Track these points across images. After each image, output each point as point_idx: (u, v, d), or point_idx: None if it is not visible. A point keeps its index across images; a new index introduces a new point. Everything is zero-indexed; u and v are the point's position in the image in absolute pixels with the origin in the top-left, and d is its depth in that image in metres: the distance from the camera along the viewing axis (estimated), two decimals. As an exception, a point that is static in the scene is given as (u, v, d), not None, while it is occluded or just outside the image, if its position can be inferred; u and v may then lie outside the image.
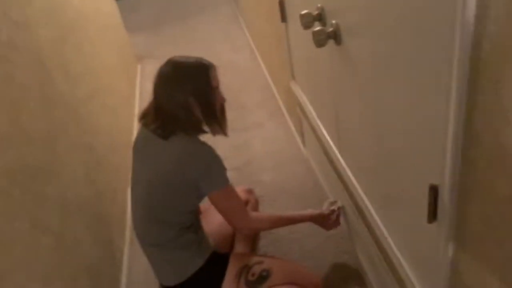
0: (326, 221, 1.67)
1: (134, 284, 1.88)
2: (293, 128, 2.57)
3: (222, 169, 1.39)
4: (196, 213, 1.55)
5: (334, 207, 1.69)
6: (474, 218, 0.71)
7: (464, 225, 0.75)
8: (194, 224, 1.50)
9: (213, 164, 1.38)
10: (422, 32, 0.70)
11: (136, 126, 2.77)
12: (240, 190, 1.94)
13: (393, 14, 0.80)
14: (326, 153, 1.67)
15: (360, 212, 1.38)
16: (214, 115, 1.43)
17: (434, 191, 0.78)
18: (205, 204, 1.52)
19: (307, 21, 1.25)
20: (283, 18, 1.81)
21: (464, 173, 0.70)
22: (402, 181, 0.98)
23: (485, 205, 0.67)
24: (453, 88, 0.64)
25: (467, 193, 0.71)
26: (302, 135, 2.32)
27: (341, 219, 1.73)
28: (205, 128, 1.43)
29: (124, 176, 2.09)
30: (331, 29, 1.14)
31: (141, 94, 3.36)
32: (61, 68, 1.78)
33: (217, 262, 1.51)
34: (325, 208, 1.70)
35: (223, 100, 1.47)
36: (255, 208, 1.99)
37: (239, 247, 1.77)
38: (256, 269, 1.49)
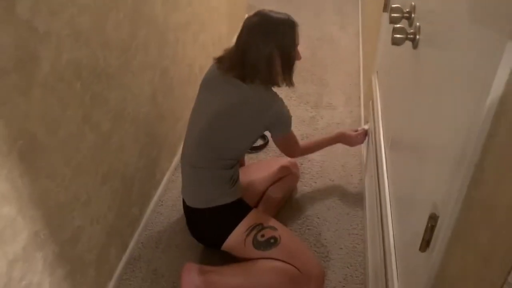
0: (353, 138, 1.97)
1: (163, 206, 2.02)
2: (362, 122, 2.50)
3: (290, 118, 1.61)
4: (238, 163, 1.67)
5: (364, 127, 2.02)
6: (456, 261, 0.68)
7: (447, 265, 0.72)
8: (235, 169, 1.61)
9: (283, 115, 1.58)
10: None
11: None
12: (285, 161, 1.97)
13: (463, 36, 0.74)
14: (376, 157, 1.62)
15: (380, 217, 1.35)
16: (291, 70, 1.57)
17: (433, 220, 0.75)
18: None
19: (395, 16, 1.18)
20: (385, 7, 1.73)
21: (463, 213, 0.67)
22: (414, 195, 0.95)
23: (466, 252, 0.64)
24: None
25: (459, 233, 0.68)
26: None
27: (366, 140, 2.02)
28: (280, 81, 1.56)
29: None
30: (412, 30, 1.08)
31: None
32: (163, -9, 1.87)
33: (241, 208, 1.58)
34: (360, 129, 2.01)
35: (299, 58, 1.59)
36: (292, 182, 2.01)
37: (262, 208, 1.83)
38: (267, 233, 1.53)
